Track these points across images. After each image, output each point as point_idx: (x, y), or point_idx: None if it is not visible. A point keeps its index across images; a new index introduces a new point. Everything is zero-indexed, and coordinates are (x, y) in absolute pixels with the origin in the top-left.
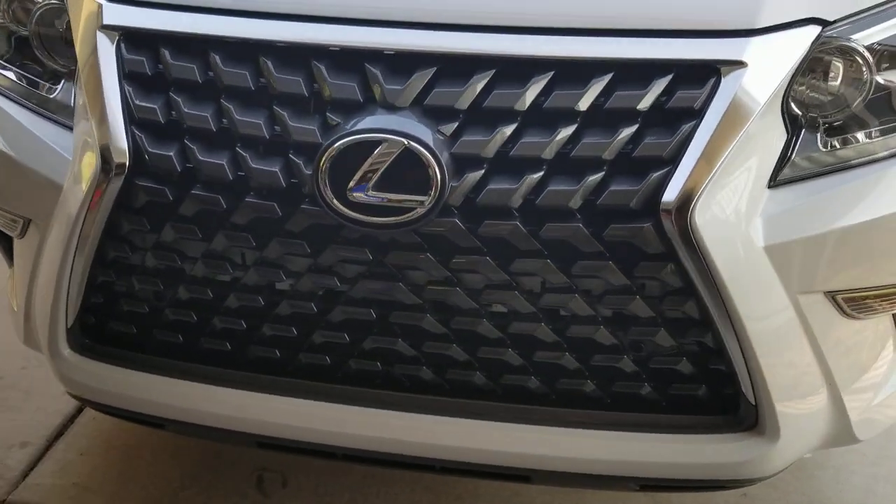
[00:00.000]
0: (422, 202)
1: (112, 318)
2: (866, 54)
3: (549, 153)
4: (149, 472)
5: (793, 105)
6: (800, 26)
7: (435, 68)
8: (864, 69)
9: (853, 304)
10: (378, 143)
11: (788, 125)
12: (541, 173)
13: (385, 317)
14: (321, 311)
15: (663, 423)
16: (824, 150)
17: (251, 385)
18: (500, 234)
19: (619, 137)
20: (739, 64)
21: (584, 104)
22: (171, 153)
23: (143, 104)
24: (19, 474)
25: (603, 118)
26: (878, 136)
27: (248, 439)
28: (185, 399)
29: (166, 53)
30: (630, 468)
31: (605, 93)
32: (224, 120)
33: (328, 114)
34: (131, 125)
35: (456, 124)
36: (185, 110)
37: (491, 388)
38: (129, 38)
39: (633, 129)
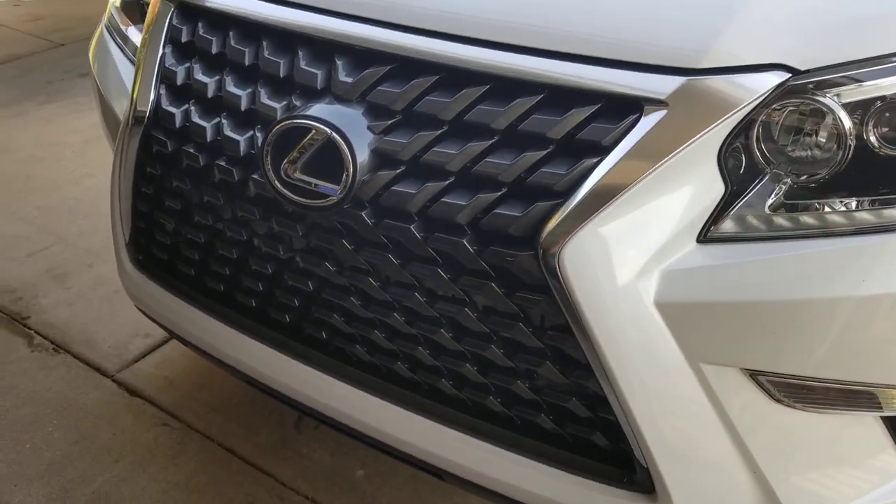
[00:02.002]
0: (335, 191)
1: (149, 241)
2: (840, 113)
3: (454, 166)
4: (220, 385)
5: (758, 154)
6: (759, 71)
7: (387, 68)
8: (840, 130)
9: (787, 391)
10: (309, 129)
11: (728, 178)
12: (443, 184)
13: (320, 290)
14: (274, 273)
15: (564, 460)
16: (770, 212)
17: (236, 324)
18: (397, 235)
19: (521, 162)
20: (660, 104)
21: (501, 123)
22: (176, 112)
23: (170, 68)
24: (132, 359)
25: (516, 140)
26: (853, 209)
27: (236, 374)
28: (192, 324)
29: (199, 26)
30: (529, 497)
31: (525, 115)
32: (218, 90)
33: (292, 97)
34: (160, 84)
35: (387, 123)
36: (195, 76)
37: (414, 381)
38: (181, 10)
39: (540, 155)
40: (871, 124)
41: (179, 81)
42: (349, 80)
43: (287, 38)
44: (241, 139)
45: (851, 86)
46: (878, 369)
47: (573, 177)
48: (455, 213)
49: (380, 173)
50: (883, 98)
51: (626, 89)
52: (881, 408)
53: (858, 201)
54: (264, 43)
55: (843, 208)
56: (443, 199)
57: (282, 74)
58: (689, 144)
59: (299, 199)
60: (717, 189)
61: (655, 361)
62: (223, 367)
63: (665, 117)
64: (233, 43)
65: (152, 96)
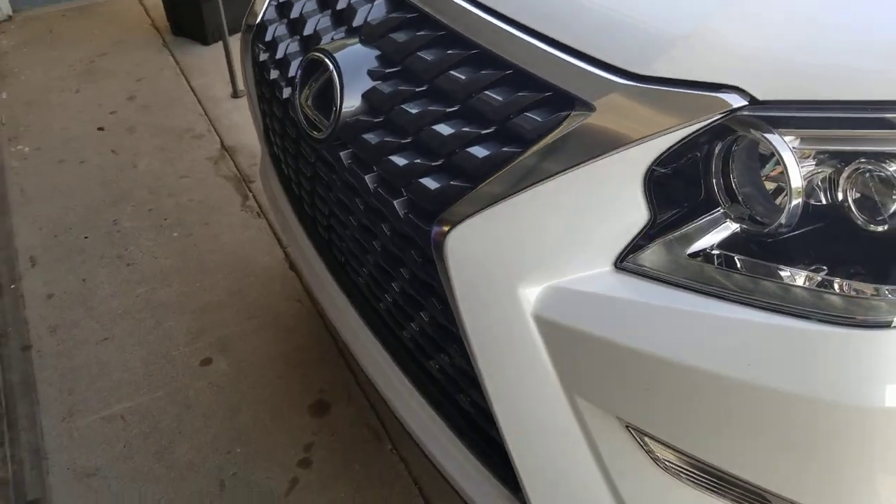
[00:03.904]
0: (327, 126)
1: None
2: (788, 158)
3: (411, 128)
4: None
5: (703, 188)
6: (707, 90)
7: (406, 16)
8: (788, 180)
9: (670, 464)
10: (321, 63)
11: (654, 206)
12: (399, 142)
13: (330, 216)
14: (310, 192)
15: (474, 443)
16: (692, 257)
17: (304, 224)
18: (357, 181)
19: (457, 137)
20: (587, 106)
21: (460, 93)
22: (269, 27)
23: None
24: None
25: (467, 114)
26: (792, 282)
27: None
28: (283, 220)
29: None
30: (439, 464)
31: (482, 89)
32: (298, 13)
33: (337, 31)
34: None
35: (383, 72)
36: None
37: (381, 319)
38: None
39: (474, 134)
40: (844, 183)
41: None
42: (375, 21)
43: None
44: (293, 63)
45: (820, 130)
46: (758, 470)
47: (487, 164)
48: (396, 173)
49: (358, 118)
50: (859, 154)
51: (562, 82)
52: None
53: (803, 274)
54: None
55: (787, 276)
56: (391, 157)
57: (338, 7)
58: (602, 158)
59: (306, 127)
60: (639, 215)
61: (526, 376)
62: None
63: (587, 121)
64: None
65: (263, 8)
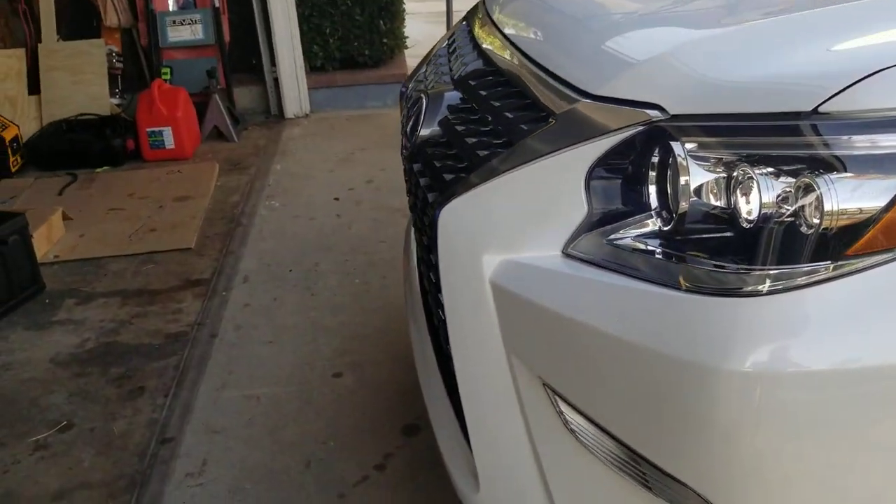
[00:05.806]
0: (409, 145)
1: None
2: (683, 162)
3: (455, 142)
4: None
5: (632, 189)
6: (633, 106)
7: (487, 69)
8: (680, 180)
9: (574, 423)
10: (420, 100)
11: (590, 201)
12: (445, 152)
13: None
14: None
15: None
16: (607, 243)
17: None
18: (417, 185)
19: (474, 143)
20: (554, 115)
21: (494, 115)
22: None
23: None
24: None
25: (494, 131)
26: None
27: None
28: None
29: None
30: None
31: (500, 110)
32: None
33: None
34: None
35: (459, 106)
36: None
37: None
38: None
39: (490, 142)
40: (733, 185)
41: None
42: (464, 72)
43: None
44: (413, 96)
45: (711, 138)
46: (648, 439)
47: (482, 161)
48: (434, 172)
49: (428, 138)
50: (742, 156)
51: (543, 98)
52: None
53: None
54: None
55: (685, 262)
56: (434, 162)
57: (452, 66)
58: (550, 157)
59: (403, 141)
60: (581, 210)
61: (479, 330)
62: None
63: (548, 130)
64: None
65: (417, 70)
